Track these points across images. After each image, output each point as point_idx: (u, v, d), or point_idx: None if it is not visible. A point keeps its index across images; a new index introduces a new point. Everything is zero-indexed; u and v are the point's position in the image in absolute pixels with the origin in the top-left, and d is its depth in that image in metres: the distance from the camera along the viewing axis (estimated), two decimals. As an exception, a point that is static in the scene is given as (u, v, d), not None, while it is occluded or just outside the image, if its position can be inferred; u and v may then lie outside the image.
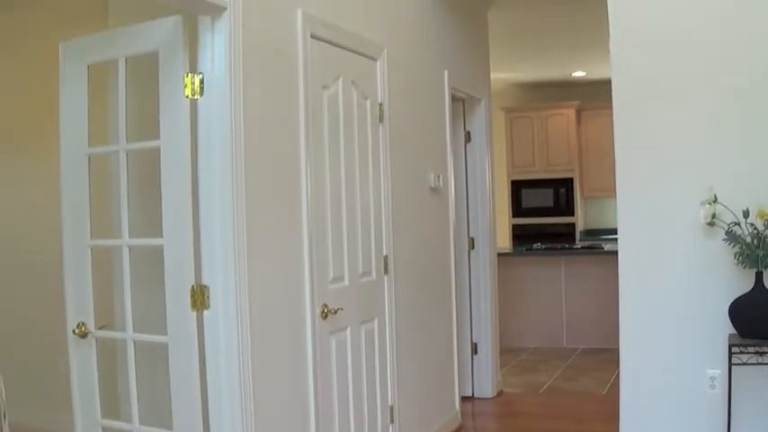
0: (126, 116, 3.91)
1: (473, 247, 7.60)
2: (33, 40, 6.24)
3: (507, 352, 9.38)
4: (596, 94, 11.97)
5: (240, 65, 3.84)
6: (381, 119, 5.37)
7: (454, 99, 7.02)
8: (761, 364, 4.82)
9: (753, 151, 5.14)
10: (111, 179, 4.09)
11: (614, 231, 5.72)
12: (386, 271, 5.38)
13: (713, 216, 4.97)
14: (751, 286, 4.91)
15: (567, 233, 12.45)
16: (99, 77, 4.14)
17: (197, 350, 3.74)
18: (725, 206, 4.96)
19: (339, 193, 4.81)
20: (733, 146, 5.18)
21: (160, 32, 3.80)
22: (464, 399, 7.27)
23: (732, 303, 4.93)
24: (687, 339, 5.22)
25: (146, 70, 3.90)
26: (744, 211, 4.90)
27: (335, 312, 4.64)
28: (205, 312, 3.77)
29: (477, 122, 7.65)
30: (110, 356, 4.23)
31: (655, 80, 5.36)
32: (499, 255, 8.41)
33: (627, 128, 5.41)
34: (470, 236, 7.62)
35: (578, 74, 12.16)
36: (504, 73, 11.53)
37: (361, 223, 5.06)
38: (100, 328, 4.07)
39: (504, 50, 9.46)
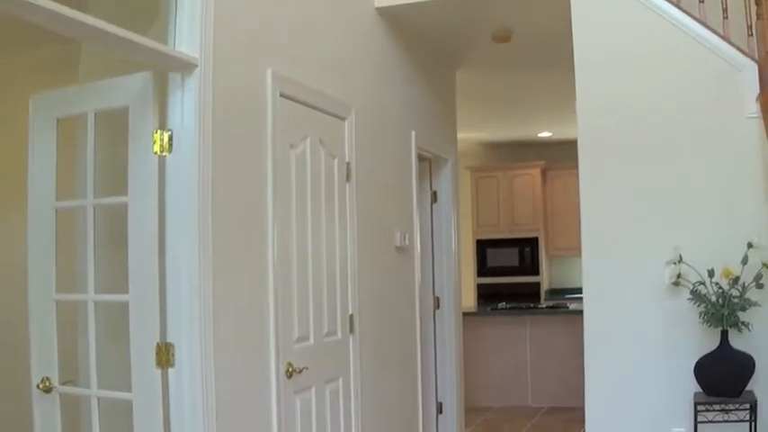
0: (94, 171, 3.91)
1: (438, 307, 7.60)
2: (2, 92, 6.22)
3: (472, 411, 9.35)
4: (562, 155, 12.08)
5: (210, 122, 3.86)
6: (349, 178, 5.40)
7: (421, 159, 7.07)
8: (726, 421, 4.86)
9: (717, 211, 5.22)
10: (78, 233, 4.07)
11: (579, 290, 5.76)
12: (351, 330, 5.37)
13: (678, 276, 5.03)
14: (716, 345, 4.96)
15: (531, 292, 12.47)
16: (68, 130, 4.14)
17: (161, 408, 3.70)
18: (690, 266, 5.02)
19: (305, 251, 4.81)
20: (698, 206, 5.26)
21: (130, 88, 3.82)
22: (428, 458, 7.23)
23: (697, 362, 4.97)
24: (653, 398, 5.24)
25: (115, 125, 3.90)
26: (709, 271, 4.96)
27: (300, 372, 4.61)
28: (170, 370, 3.74)
29: (444, 182, 7.70)
30: (74, 411, 4.18)
31: (620, 141, 5.45)
32: (464, 314, 8.42)
33: (592, 187, 5.48)
34: (436, 295, 7.61)
35: (544, 134, 12.28)
36: (471, 132, 11.62)
37: (327, 282, 5.06)
38: (64, 384, 4.02)
39: (472, 110, 9.55)
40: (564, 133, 11.60)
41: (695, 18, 5.43)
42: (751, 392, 4.96)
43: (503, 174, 12.80)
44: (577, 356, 5.61)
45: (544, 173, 12.84)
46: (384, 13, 6.09)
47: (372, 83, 5.97)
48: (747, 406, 4.84)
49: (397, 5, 6.06)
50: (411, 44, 6.69)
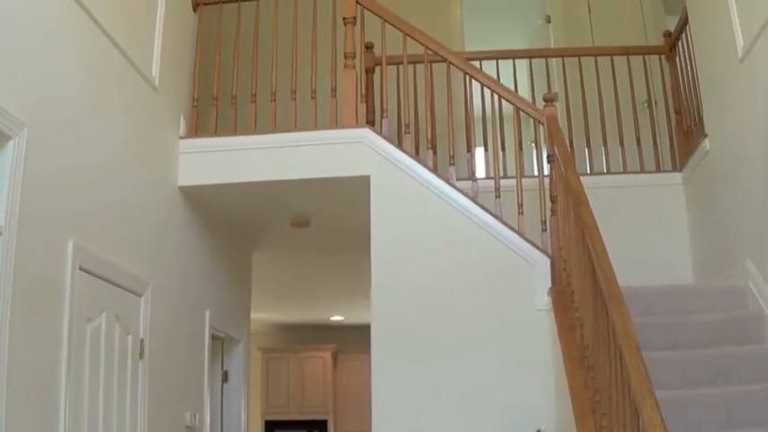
0: None
1: (226, 489, 7.47)
2: None
3: None
4: (353, 339, 12.25)
5: (10, 289, 3.80)
6: (142, 355, 5.33)
7: (214, 338, 7.05)
8: None
9: (508, 399, 5.42)
10: None
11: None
12: None
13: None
14: None
15: (321, 476, 12.39)
16: None
17: None
18: (476, 452, 5.16)
19: (96, 427, 4.69)
20: (489, 394, 5.45)
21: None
22: None
23: None
24: None
25: None
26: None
27: None
28: None
29: (235, 362, 7.68)
30: None
31: (413, 328, 5.62)
32: (251, 497, 8.28)
33: (383, 372, 5.59)
34: (223, 476, 7.49)
35: (336, 318, 12.46)
36: (265, 313, 11.68)
37: (114, 460, 4.93)
38: None
39: (266, 291, 9.63)
40: (356, 318, 11.81)
41: (491, 213, 5.77)
42: None
43: (294, 355, 12.85)
44: None
45: (335, 356, 12.95)
46: (186, 192, 6.18)
47: (171, 260, 5.99)
48: None
49: (198, 186, 6.16)
50: (211, 224, 6.77)
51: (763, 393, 4.73)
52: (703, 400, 4.68)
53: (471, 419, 5.38)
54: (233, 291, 7.55)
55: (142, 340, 5.35)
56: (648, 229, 6.87)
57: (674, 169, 7.09)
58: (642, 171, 7.09)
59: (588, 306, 4.54)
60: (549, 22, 9.36)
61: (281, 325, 13.20)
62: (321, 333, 13.24)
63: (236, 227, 7.34)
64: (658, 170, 7.14)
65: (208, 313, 6.70)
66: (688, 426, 4.47)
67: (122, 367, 5.07)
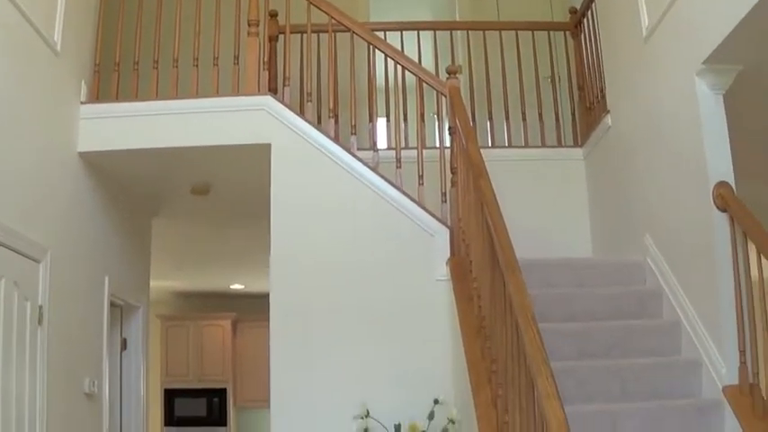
0: None
1: (125, 455, 7.43)
2: None
3: None
4: (253, 307, 12.20)
5: None
6: (40, 321, 5.28)
7: (113, 305, 6.99)
8: None
9: (406, 368, 5.48)
10: None
11: (269, 443, 5.80)
12: (34, 479, 5.17)
13: (365, 430, 5.17)
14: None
15: (220, 443, 12.37)
16: None
17: None
18: (377, 420, 5.20)
19: (-8, 395, 4.64)
20: (386, 363, 5.51)
21: None
22: None
23: None
24: None
25: None
26: (396, 426, 5.16)
27: None
28: None
29: (134, 329, 7.62)
30: None
31: (312, 296, 5.65)
32: (150, 464, 8.25)
33: (281, 340, 5.61)
34: (123, 444, 7.45)
35: (236, 286, 12.42)
36: (165, 281, 11.57)
37: (15, 427, 4.87)
38: None
39: (167, 259, 9.56)
40: (256, 286, 11.76)
41: (392, 184, 5.82)
42: None
43: (194, 324, 12.76)
44: None
45: (235, 325, 12.91)
46: (86, 158, 6.10)
47: (70, 226, 5.92)
48: None
49: (98, 152, 6.10)
50: (111, 190, 6.71)
51: (657, 366, 4.89)
52: (599, 371, 4.81)
53: (369, 389, 5.42)
54: (133, 258, 7.49)
55: (41, 307, 5.29)
56: (549, 203, 7.01)
57: (576, 145, 7.24)
58: (544, 145, 7.22)
59: (486, 277, 4.62)
60: (456, -5, 9.42)
61: (181, 293, 13.09)
62: (221, 302, 13.17)
63: (136, 194, 7.27)
64: (560, 145, 7.28)
65: (107, 280, 6.64)
66: (583, 397, 4.60)
67: (21, 334, 5.01)
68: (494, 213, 4.41)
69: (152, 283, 8.34)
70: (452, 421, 5.11)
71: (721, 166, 4.76)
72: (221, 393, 12.59)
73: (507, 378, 4.07)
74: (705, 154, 4.81)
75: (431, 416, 5.18)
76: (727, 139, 4.80)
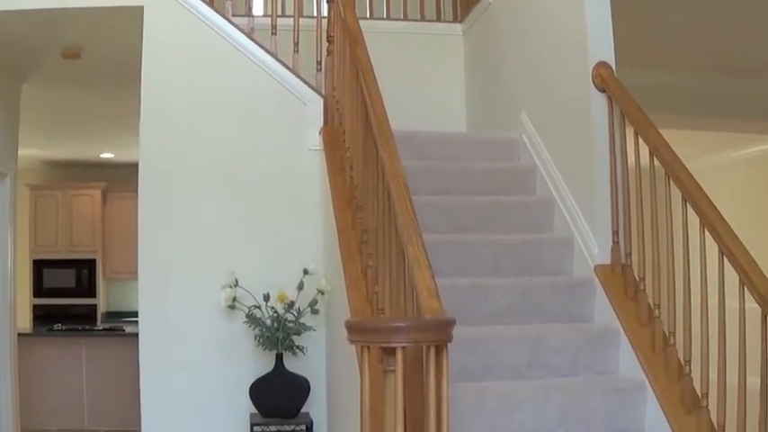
0: None
1: (-9, 326, 7.30)
2: None
3: (28, 435, 9.00)
4: (123, 177, 11.96)
5: None
6: None
7: (-22, 172, 6.79)
8: (283, 440, 5.03)
9: (276, 238, 5.49)
10: None
11: (137, 314, 5.74)
12: None
13: (234, 299, 5.16)
14: (272, 367, 5.18)
15: (89, 314, 12.22)
16: None
17: None
18: (246, 290, 5.21)
19: None
20: (257, 233, 5.50)
21: None
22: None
23: (252, 384, 5.16)
24: (210, 419, 5.36)
25: None
26: (264, 295, 5.18)
27: None
28: None
29: (1, 199, 7.42)
30: None
31: (181, 165, 5.58)
32: (19, 335, 8.11)
33: (150, 211, 5.53)
34: (-11, 314, 7.31)
35: (106, 155, 12.15)
36: (34, 149, 11.23)
37: None
38: None
39: (36, 126, 9.26)
40: (127, 155, 11.52)
41: (266, 50, 5.70)
42: (307, 414, 5.22)
43: (63, 193, 12.49)
44: (135, 380, 5.59)
45: (105, 194, 12.68)
46: (-51, 20, 5.80)
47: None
48: (303, 427, 5.07)
49: (-39, 11, 5.80)
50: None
51: (530, 243, 4.97)
52: (471, 245, 4.86)
53: (239, 259, 5.43)
54: (0, 124, 7.24)
55: None
56: (426, 77, 7.00)
57: (456, 20, 7.19)
58: (423, 19, 7.14)
59: (359, 146, 4.61)
60: None
61: (50, 162, 12.72)
62: (91, 171, 12.85)
63: (3, 57, 6.96)
64: (439, 20, 7.21)
65: (-29, 147, 6.43)
66: (455, 270, 4.63)
67: None
68: (369, 81, 4.37)
69: (21, 152, 8.09)
70: (321, 292, 5.16)
71: (603, 46, 4.76)
72: (90, 264, 12.44)
73: (378, 248, 4.10)
74: (587, 32, 4.79)
75: (300, 286, 5.22)
76: (610, 19, 4.78)
